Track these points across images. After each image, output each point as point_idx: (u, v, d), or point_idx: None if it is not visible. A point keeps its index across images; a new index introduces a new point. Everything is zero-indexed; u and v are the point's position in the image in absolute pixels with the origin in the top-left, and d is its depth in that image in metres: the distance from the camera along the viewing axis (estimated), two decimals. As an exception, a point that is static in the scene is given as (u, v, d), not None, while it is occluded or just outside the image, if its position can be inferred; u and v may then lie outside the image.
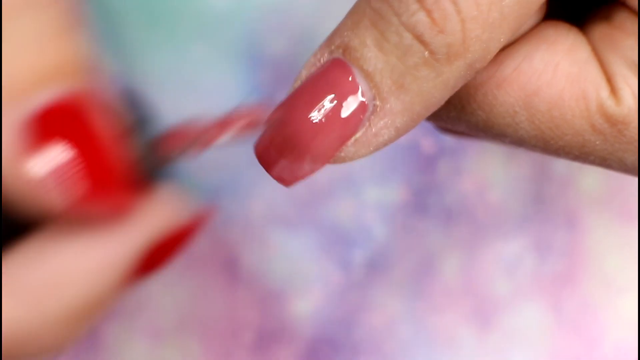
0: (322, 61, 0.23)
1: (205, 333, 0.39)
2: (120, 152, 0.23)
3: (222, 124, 0.27)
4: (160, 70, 0.38)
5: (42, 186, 0.21)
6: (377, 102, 0.23)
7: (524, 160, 0.39)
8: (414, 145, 0.38)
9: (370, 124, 0.23)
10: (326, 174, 0.39)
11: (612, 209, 0.39)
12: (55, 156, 0.21)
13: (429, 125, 0.30)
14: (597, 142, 0.25)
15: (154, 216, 0.24)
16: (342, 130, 0.23)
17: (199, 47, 0.38)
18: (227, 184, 0.39)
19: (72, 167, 0.21)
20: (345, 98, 0.23)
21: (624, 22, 0.25)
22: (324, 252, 0.39)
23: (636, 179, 0.39)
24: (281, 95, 0.24)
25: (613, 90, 0.24)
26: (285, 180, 0.24)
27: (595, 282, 0.39)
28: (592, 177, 0.40)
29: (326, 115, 0.23)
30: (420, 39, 0.22)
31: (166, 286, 0.39)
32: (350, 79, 0.23)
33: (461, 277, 0.39)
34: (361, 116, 0.23)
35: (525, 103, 0.25)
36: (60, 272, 0.22)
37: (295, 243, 0.39)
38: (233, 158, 0.39)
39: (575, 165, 0.39)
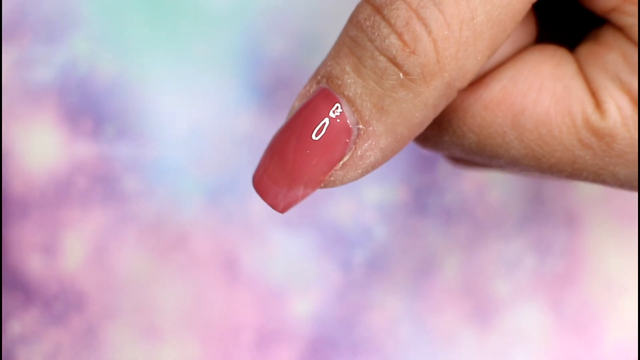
0: (311, 92, 0.24)
1: (205, 333, 0.39)
2: None
3: None
4: (160, 70, 0.38)
5: None
6: (361, 126, 0.24)
7: (524, 160, 0.39)
8: (413, 145, 0.38)
9: (356, 148, 0.24)
10: (326, 174, 0.39)
11: (612, 209, 0.39)
12: None
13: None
14: (587, 157, 0.25)
15: None
16: (331, 155, 0.24)
17: (199, 47, 0.38)
18: (227, 184, 0.39)
19: None
20: (332, 124, 0.24)
21: (608, 38, 0.25)
22: (324, 252, 0.39)
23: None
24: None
25: (598, 104, 0.25)
26: (279, 207, 0.25)
27: (595, 282, 0.39)
28: (592, 177, 0.40)
29: (316, 142, 0.24)
30: (393, 61, 0.23)
31: (166, 286, 0.39)
32: (335, 106, 0.24)
33: (461, 277, 0.39)
34: (347, 140, 0.24)
35: (512, 122, 0.25)
36: None
37: (295, 243, 0.39)
38: (233, 158, 0.39)
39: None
